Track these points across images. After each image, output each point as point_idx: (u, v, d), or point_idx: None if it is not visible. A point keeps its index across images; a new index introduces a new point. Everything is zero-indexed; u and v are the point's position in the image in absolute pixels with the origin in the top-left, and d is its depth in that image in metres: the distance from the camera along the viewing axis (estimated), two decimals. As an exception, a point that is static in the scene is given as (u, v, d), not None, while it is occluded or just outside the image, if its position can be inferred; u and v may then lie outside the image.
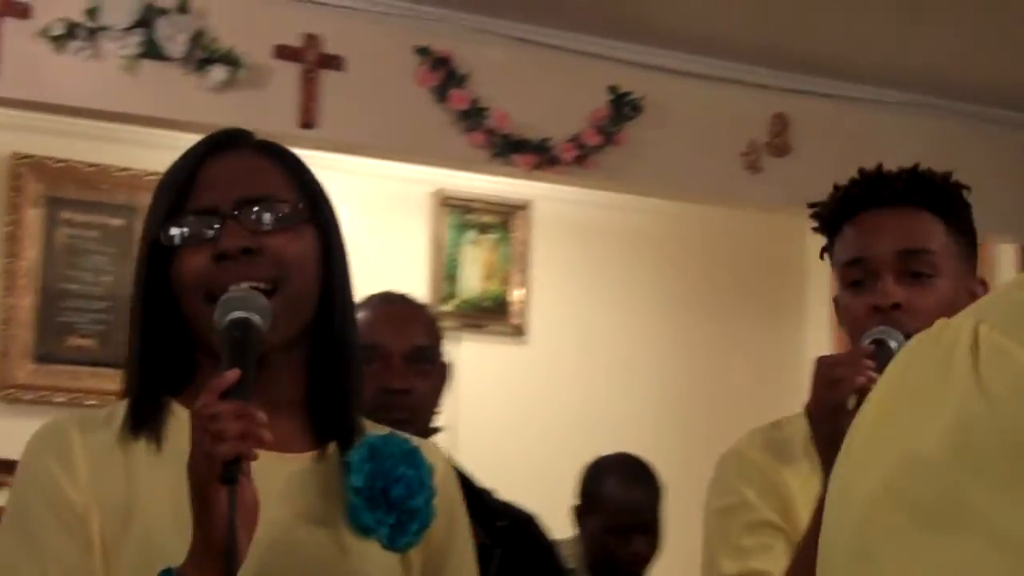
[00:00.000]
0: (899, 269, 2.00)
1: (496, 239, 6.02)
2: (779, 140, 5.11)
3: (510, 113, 4.73)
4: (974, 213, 2.10)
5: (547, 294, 6.11)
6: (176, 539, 1.48)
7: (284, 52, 4.50)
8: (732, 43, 4.90)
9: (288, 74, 4.53)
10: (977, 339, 0.87)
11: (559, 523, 3.93)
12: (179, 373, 1.67)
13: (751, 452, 2.12)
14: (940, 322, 0.92)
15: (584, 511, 3.78)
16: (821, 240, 6.90)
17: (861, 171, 2.10)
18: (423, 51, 4.67)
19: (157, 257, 1.64)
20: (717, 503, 2.12)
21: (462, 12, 4.69)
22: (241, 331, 1.54)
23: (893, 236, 2.02)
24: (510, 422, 5.87)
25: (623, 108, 4.87)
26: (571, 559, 3.65)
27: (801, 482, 2.02)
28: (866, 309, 2.00)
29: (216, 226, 1.62)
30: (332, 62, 4.56)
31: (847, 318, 2.08)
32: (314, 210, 1.69)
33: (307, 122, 4.51)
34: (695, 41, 4.90)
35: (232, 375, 1.47)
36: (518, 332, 6.04)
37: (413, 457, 1.70)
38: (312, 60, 4.53)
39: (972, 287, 2.03)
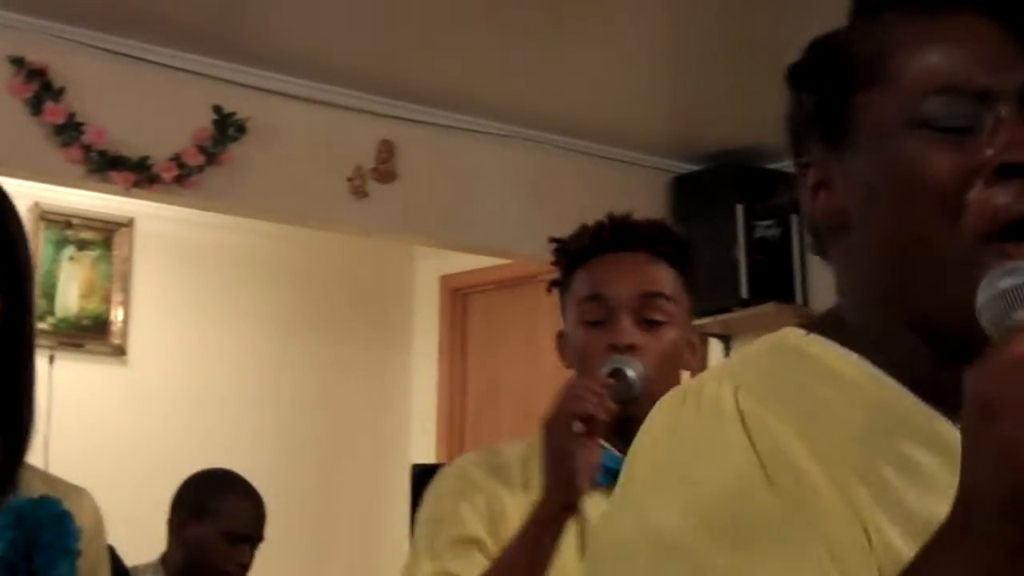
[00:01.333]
0: (637, 312, 2.10)
1: (96, 256, 5.85)
2: (385, 166, 5.14)
3: (109, 129, 4.60)
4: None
5: (150, 314, 5.98)
6: None
7: None
8: (340, 68, 4.91)
9: None
10: (739, 406, 1.01)
11: (159, 544, 3.87)
12: None
13: (471, 470, 2.16)
14: (692, 383, 1.06)
15: (188, 520, 3.77)
16: (430, 267, 6.97)
17: (610, 216, 2.19)
18: (17, 61, 4.49)
19: None
20: (429, 512, 2.16)
21: (60, 23, 4.52)
22: None
23: (635, 280, 2.12)
24: (109, 444, 5.71)
25: (227, 128, 4.80)
26: None
27: (516, 504, 2.07)
28: (603, 347, 2.09)
29: None
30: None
31: (579, 353, 2.15)
32: None
33: None
34: (302, 64, 4.88)
35: None
36: (119, 352, 5.89)
37: (61, 523, 1.66)
38: None
39: (690, 337, 2.18)
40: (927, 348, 1.06)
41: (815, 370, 1.08)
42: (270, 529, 3.87)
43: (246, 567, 3.78)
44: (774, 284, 5.40)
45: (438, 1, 4.44)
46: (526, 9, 4.47)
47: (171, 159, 4.73)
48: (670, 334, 2.11)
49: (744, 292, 5.35)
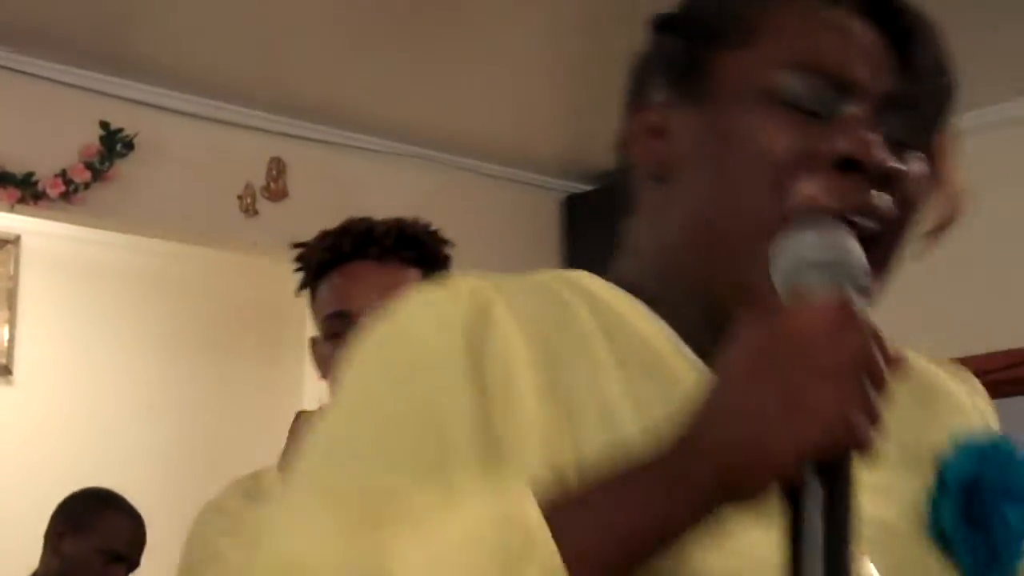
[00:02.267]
0: None
1: (-20, 274, 5.74)
2: (276, 184, 5.11)
3: (-8, 145, 4.53)
4: (461, 265, 2.16)
5: (37, 332, 5.88)
6: None
7: None
8: (230, 85, 4.87)
9: None
10: (480, 296, 1.05)
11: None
12: None
13: (229, 503, 2.11)
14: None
15: (65, 533, 3.76)
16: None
17: (350, 222, 2.15)
18: (-101, 74, 4.41)
19: None
20: (189, 558, 2.09)
21: (-57, 36, 4.45)
22: None
23: (378, 291, 2.06)
24: (-7, 466, 5.61)
25: (115, 144, 4.74)
26: None
27: None
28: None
29: None
30: None
31: (327, 368, 2.11)
32: None
33: None
34: (192, 81, 4.84)
35: None
36: (4, 372, 5.79)
37: None
38: None
39: None
40: (702, 311, 1.06)
41: (586, 298, 1.08)
42: (158, 548, 3.83)
43: None
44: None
45: (329, 18, 4.43)
46: (417, 27, 4.47)
47: (57, 175, 4.65)
48: None
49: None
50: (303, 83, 4.90)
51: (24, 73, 4.62)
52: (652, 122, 1.11)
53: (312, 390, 6.64)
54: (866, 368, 0.86)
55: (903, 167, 1.02)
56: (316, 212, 5.23)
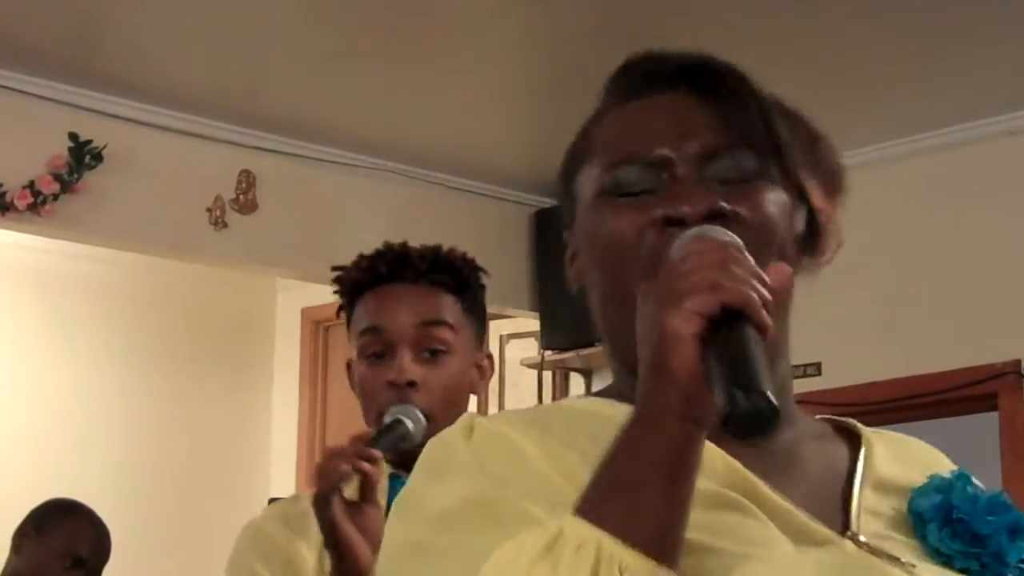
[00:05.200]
0: (417, 344, 2.10)
1: (-53, 286, 5.71)
2: (245, 197, 5.10)
3: (-40, 156, 4.51)
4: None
5: (3, 345, 5.86)
6: None
7: None
8: (200, 97, 4.87)
9: None
10: (480, 425, 1.19)
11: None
12: None
13: (267, 525, 2.16)
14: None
15: (28, 535, 3.81)
16: (291, 299, 6.92)
17: (387, 245, 2.19)
18: None
19: None
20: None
21: (-91, 46, 4.43)
22: None
23: (412, 311, 2.11)
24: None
25: (84, 156, 4.72)
26: None
27: (316, 554, 2.05)
28: (383, 384, 2.09)
29: None
30: None
31: (362, 388, 2.16)
32: None
33: None
34: (161, 93, 4.83)
35: None
36: (-30, 384, 5.76)
37: None
38: None
39: (480, 360, 2.18)
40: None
41: (570, 414, 1.23)
42: (125, 563, 3.83)
43: None
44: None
45: (301, 33, 4.43)
46: (389, 43, 4.47)
47: (25, 187, 4.63)
48: (452, 364, 2.11)
49: (605, 327, 5.38)
50: (273, 96, 4.90)
51: (-7, 84, 4.61)
52: (570, 252, 1.30)
53: (281, 404, 6.64)
54: (729, 255, 1.04)
55: (724, 204, 1.17)
56: (285, 225, 5.23)
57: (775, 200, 1.21)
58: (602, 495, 1.02)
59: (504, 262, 5.42)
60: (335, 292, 2.25)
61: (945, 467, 1.27)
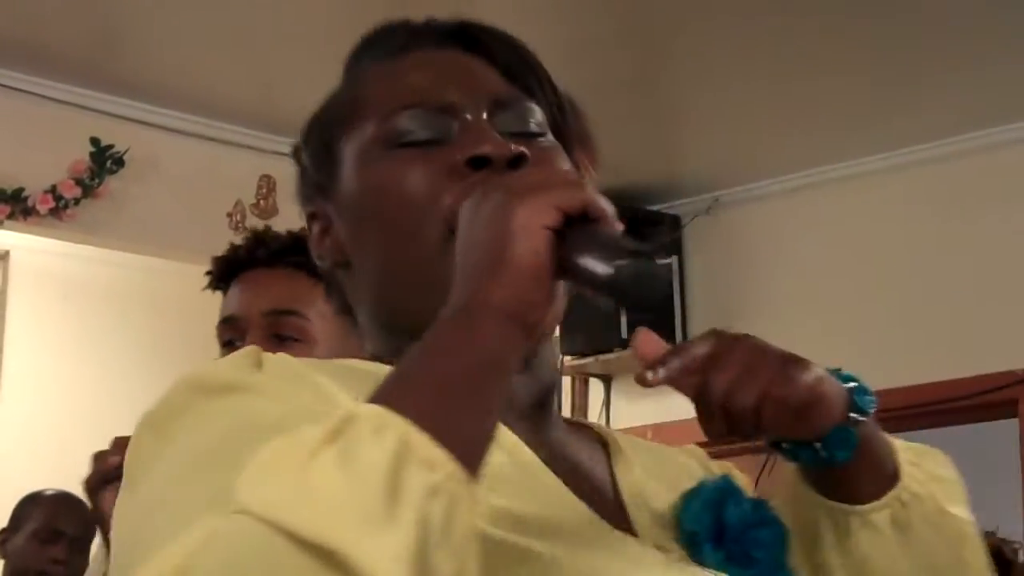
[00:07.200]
0: (267, 330, 2.00)
1: (-31, 290, 5.74)
2: (266, 202, 5.11)
3: (-19, 160, 4.54)
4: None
5: (26, 348, 5.87)
6: None
7: None
8: (220, 102, 4.88)
9: None
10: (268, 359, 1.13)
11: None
12: None
13: None
14: None
15: (8, 531, 3.89)
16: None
17: (253, 232, 2.15)
18: None
19: None
20: None
21: (-67, 52, 4.46)
22: None
23: (263, 297, 2.03)
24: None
25: (105, 161, 4.75)
26: None
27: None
28: None
29: None
30: None
31: None
32: None
33: None
34: (182, 98, 4.85)
35: None
36: (-8, 388, 5.78)
37: None
38: None
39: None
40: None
41: (347, 371, 1.10)
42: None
43: (63, 563, 3.76)
44: (653, 324, 5.42)
45: (321, 37, 4.44)
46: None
47: (47, 191, 4.66)
48: (303, 351, 1.94)
49: (624, 332, 5.38)
50: (294, 101, 4.85)
51: (15, 89, 4.63)
52: (320, 228, 1.21)
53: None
54: (560, 178, 0.99)
55: (524, 150, 1.10)
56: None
57: (565, 161, 1.16)
58: (405, 389, 0.86)
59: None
60: (207, 286, 2.19)
61: (695, 469, 1.21)
